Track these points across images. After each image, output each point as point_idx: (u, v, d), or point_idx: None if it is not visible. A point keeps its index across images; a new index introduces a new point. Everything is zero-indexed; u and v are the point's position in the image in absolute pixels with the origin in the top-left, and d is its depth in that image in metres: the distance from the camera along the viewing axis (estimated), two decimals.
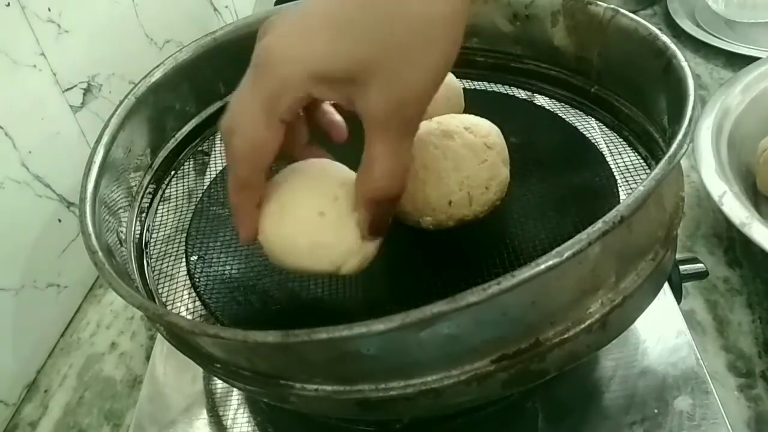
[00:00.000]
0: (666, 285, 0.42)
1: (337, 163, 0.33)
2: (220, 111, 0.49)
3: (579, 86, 0.44)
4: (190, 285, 0.39)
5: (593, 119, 0.44)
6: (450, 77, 0.39)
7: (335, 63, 0.27)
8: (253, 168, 0.30)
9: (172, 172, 0.46)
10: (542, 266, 0.25)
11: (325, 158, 0.34)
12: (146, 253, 0.41)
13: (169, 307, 0.38)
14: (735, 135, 0.56)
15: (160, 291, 0.39)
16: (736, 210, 0.47)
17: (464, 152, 0.34)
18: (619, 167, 0.40)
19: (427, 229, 0.36)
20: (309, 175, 0.32)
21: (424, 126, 0.37)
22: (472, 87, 0.49)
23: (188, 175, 0.48)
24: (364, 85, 0.27)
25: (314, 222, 0.31)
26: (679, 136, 0.29)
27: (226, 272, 0.39)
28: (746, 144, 0.56)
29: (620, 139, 0.41)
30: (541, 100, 0.47)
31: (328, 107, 0.34)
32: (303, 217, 0.31)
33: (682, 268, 0.43)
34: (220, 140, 0.50)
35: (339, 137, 0.34)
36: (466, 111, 0.39)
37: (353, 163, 0.31)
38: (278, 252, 0.32)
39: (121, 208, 0.40)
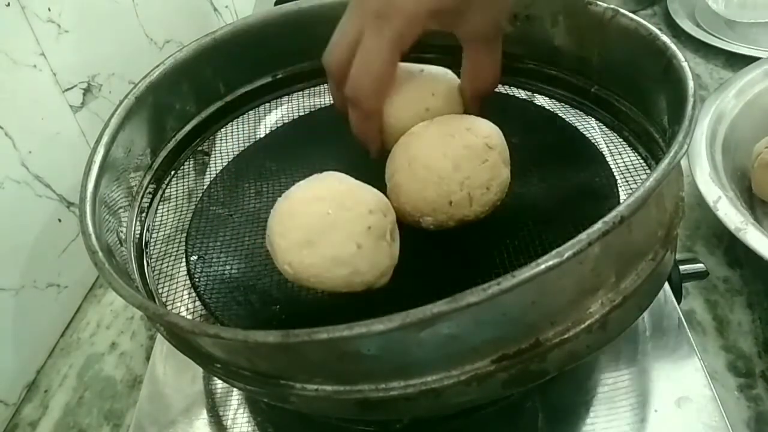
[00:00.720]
0: (666, 285, 0.42)
1: (350, 179, 0.34)
2: (220, 111, 0.49)
3: (579, 86, 0.44)
4: (190, 285, 0.39)
5: (593, 119, 0.44)
6: (451, 75, 0.40)
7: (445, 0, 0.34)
8: (380, 98, 0.37)
9: (172, 172, 0.46)
10: (542, 266, 0.25)
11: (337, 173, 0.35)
12: (146, 253, 0.41)
13: (169, 307, 0.38)
14: (730, 139, 0.56)
15: (160, 291, 0.39)
16: (731, 215, 0.47)
17: (465, 152, 0.34)
18: (619, 167, 0.40)
19: (427, 229, 0.36)
20: (334, 201, 0.32)
21: (424, 126, 0.37)
22: None
23: (188, 175, 0.47)
24: (464, 13, 0.34)
25: (352, 254, 0.31)
26: (680, 136, 0.29)
27: (226, 272, 0.39)
28: (741, 148, 0.56)
29: (620, 139, 0.41)
30: (541, 100, 0.47)
31: None
32: (341, 252, 0.31)
33: (682, 268, 0.43)
34: (220, 140, 0.50)
35: None
36: (465, 111, 0.39)
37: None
38: (311, 281, 0.32)
39: (121, 208, 0.40)
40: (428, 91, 0.38)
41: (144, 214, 0.43)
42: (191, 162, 0.48)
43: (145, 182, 0.44)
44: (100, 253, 0.33)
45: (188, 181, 0.47)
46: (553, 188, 0.40)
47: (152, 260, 0.41)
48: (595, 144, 0.42)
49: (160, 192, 0.45)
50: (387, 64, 0.35)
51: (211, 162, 0.49)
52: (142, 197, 0.43)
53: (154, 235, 0.43)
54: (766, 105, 0.59)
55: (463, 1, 0.34)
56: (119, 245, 0.38)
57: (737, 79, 0.60)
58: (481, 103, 0.39)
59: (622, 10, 0.39)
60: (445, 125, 0.36)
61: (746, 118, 0.58)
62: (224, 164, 0.48)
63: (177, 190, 0.46)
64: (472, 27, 0.35)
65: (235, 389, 0.43)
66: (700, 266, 0.44)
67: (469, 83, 0.38)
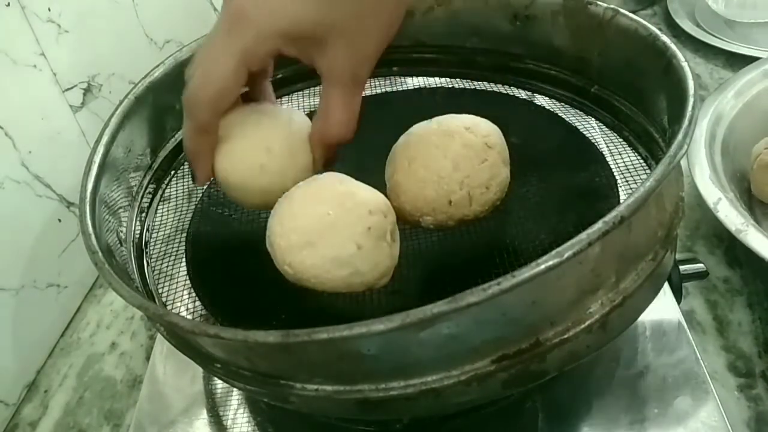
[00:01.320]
0: (666, 285, 0.42)
1: (350, 179, 0.34)
2: None
3: (579, 86, 0.44)
4: (190, 285, 0.39)
5: (593, 119, 0.43)
6: (298, 125, 0.36)
7: (304, 23, 0.31)
8: (215, 112, 0.33)
9: (172, 172, 0.46)
10: (542, 266, 0.25)
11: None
12: (146, 253, 0.41)
13: (169, 307, 0.38)
14: (728, 140, 0.56)
15: (160, 291, 0.39)
16: (732, 217, 0.47)
17: (464, 152, 0.34)
18: (619, 167, 0.40)
19: (427, 228, 0.36)
20: (334, 202, 0.32)
21: (424, 126, 0.37)
22: (472, 87, 0.49)
23: (188, 175, 0.47)
24: (325, 45, 0.31)
25: (352, 254, 0.31)
26: (679, 136, 0.29)
27: (226, 272, 0.39)
28: (740, 149, 0.56)
29: (620, 139, 0.41)
30: (541, 100, 0.47)
31: (268, 81, 0.39)
32: (341, 253, 0.31)
33: (682, 268, 0.43)
34: None
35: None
36: (464, 111, 0.39)
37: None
38: (311, 282, 0.32)
39: (121, 208, 0.40)
40: (263, 145, 0.35)
41: (144, 214, 0.43)
42: None
43: (145, 182, 0.44)
44: (100, 253, 0.33)
45: (188, 181, 0.47)
46: (553, 188, 0.40)
47: (152, 260, 0.41)
48: (595, 144, 0.42)
49: (160, 192, 0.45)
50: (228, 74, 0.32)
51: None
52: (142, 197, 0.43)
53: (154, 235, 0.43)
54: (764, 106, 0.59)
55: (324, 32, 0.31)
56: (119, 245, 0.38)
57: (736, 79, 0.60)
58: (325, 151, 0.35)
59: (621, 10, 0.39)
60: (445, 125, 0.36)
61: (745, 119, 0.58)
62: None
63: (177, 190, 0.46)
64: (329, 64, 0.32)
65: (235, 389, 0.43)
66: (700, 266, 0.44)
67: (315, 124, 0.34)
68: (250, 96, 0.37)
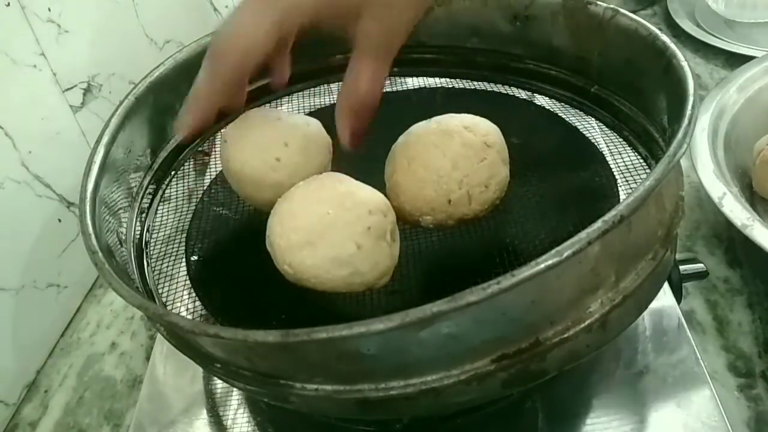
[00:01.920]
0: (666, 285, 0.42)
1: (350, 179, 0.34)
2: (220, 111, 0.49)
3: (579, 86, 0.44)
4: (190, 285, 0.39)
5: (593, 119, 0.44)
6: (313, 127, 0.38)
7: None
8: (237, 68, 0.33)
9: (172, 173, 0.46)
10: (542, 266, 0.25)
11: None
12: (146, 253, 0.41)
13: (169, 307, 0.38)
14: (731, 136, 0.56)
15: (160, 291, 0.39)
16: (737, 212, 0.47)
17: (463, 151, 0.34)
18: (619, 167, 0.40)
19: (427, 228, 0.36)
20: (334, 202, 0.32)
21: (423, 126, 0.37)
22: (472, 87, 0.49)
23: (188, 175, 0.47)
24: (357, 17, 0.32)
25: (352, 254, 0.31)
26: (679, 136, 0.29)
27: (226, 272, 0.39)
28: (742, 144, 0.56)
29: (620, 139, 0.41)
30: (541, 100, 0.47)
31: (286, 60, 0.40)
32: (341, 253, 0.31)
33: (682, 268, 0.43)
34: (220, 140, 0.50)
35: (279, 82, 0.40)
36: (464, 111, 0.39)
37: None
38: (311, 282, 0.32)
39: (121, 208, 0.40)
40: (281, 140, 0.36)
41: (144, 215, 0.43)
42: (191, 162, 0.48)
43: (145, 183, 0.44)
44: (100, 253, 0.33)
45: (188, 182, 0.47)
46: (553, 188, 0.39)
47: (152, 260, 0.41)
48: (595, 144, 0.42)
49: (160, 192, 0.45)
50: (260, 33, 0.32)
51: (211, 162, 0.49)
52: (142, 198, 0.43)
53: (154, 236, 0.43)
54: (766, 102, 0.59)
55: (356, 4, 0.32)
56: (119, 245, 0.38)
57: (738, 74, 0.60)
58: (351, 120, 0.34)
59: (621, 10, 0.39)
60: (444, 124, 0.36)
61: (747, 114, 0.58)
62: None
63: (177, 191, 0.46)
64: (361, 33, 0.33)
65: (235, 389, 0.43)
66: (700, 266, 0.44)
67: (343, 90, 0.34)
68: (268, 68, 0.38)
